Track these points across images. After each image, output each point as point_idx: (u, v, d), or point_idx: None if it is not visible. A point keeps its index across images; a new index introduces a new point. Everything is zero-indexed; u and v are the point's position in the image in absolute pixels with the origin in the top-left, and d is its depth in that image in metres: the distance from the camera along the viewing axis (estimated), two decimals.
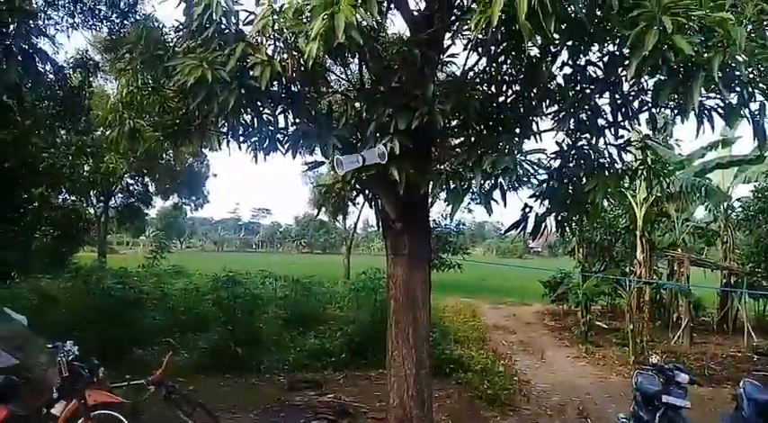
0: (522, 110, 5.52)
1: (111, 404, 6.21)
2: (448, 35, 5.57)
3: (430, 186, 5.91)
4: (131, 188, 31.82)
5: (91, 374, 6.27)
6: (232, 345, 11.32)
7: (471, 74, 5.69)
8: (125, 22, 11.21)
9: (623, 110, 5.35)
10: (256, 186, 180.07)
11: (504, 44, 5.12)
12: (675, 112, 4.96)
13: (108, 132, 7.16)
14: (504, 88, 5.70)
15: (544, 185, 5.72)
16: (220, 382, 10.45)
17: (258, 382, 10.59)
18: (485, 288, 30.58)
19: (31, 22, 6.54)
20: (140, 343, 11.59)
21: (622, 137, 5.70)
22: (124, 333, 11.59)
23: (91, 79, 12.56)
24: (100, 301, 11.73)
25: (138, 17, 10.35)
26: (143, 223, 41.50)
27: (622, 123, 5.49)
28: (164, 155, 27.03)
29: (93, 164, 13.64)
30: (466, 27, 4.90)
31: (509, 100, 5.67)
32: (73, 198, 22.30)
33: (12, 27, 5.78)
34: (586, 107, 5.43)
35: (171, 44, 5.64)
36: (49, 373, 6.82)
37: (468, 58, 5.60)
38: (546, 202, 5.77)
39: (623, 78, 5.01)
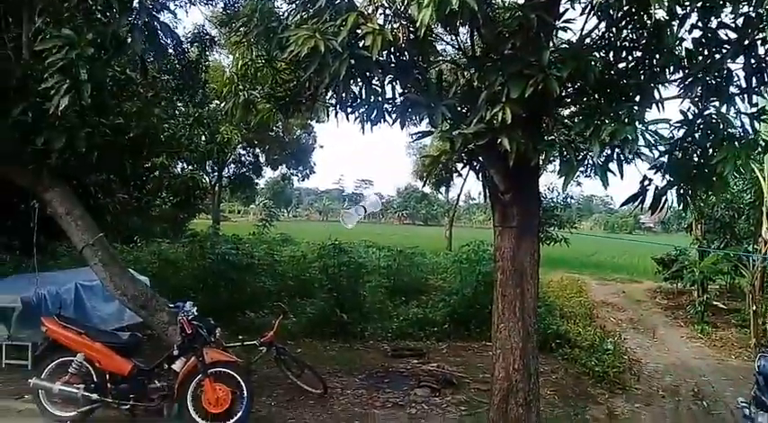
0: (643, 77, 5.21)
1: (227, 363, 6.53)
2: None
3: (542, 157, 5.72)
4: (243, 159, 33.15)
5: (209, 334, 6.60)
6: (338, 311, 11.63)
7: (589, 40, 5.43)
8: None
9: (759, 75, 4.94)
10: (360, 158, 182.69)
11: (627, 7, 4.84)
12: None
13: (223, 104, 7.47)
14: (625, 54, 5.39)
15: (665, 157, 5.39)
16: (326, 347, 10.78)
17: (362, 349, 10.83)
18: (592, 264, 29.62)
19: None
20: (251, 306, 12.14)
21: (756, 104, 5.27)
22: (237, 296, 12.22)
23: (207, 53, 13.08)
24: (215, 265, 12.35)
25: None
26: (253, 192, 43.20)
27: (757, 89, 5.07)
28: (274, 126, 27.96)
29: (208, 135, 14.29)
30: None
31: (630, 67, 5.36)
32: (190, 167, 23.54)
33: (135, 2, 6.07)
34: (716, 73, 5.05)
35: (284, 16, 5.75)
36: (170, 331, 7.27)
37: (586, 22, 5.34)
38: (667, 174, 5.44)
39: (759, 41, 4.61)
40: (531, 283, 6.28)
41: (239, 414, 6.33)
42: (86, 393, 6.40)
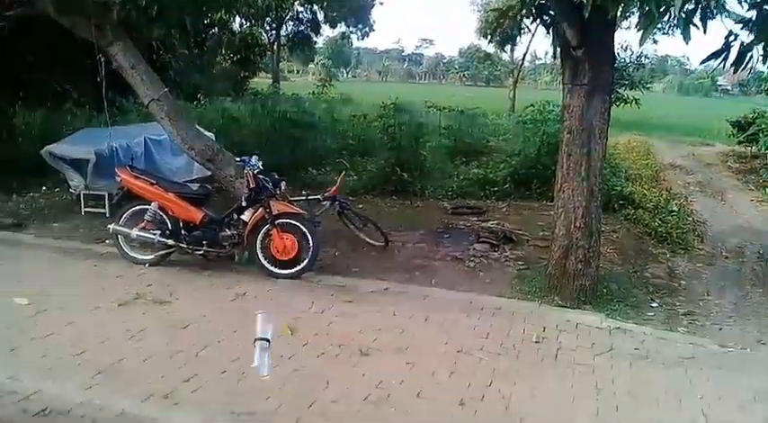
0: None
1: (293, 214, 6.74)
2: None
3: (619, 9, 5.31)
4: (301, 16, 32.40)
5: (274, 187, 6.77)
6: (398, 170, 11.68)
7: None
8: None
9: None
10: (421, 15, 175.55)
11: None
12: None
13: None
14: None
15: (753, 12, 4.93)
16: (387, 204, 10.93)
17: (422, 206, 10.93)
18: (663, 126, 28.50)
19: None
20: (313, 163, 12.33)
21: None
22: (299, 153, 12.42)
23: None
24: (277, 123, 12.46)
25: None
26: (312, 51, 42.63)
27: None
28: None
29: None
30: None
31: None
32: (249, 24, 23.24)
33: None
34: None
35: None
36: (236, 184, 7.51)
37: None
38: (754, 29, 5.00)
39: None
40: (598, 143, 6.14)
41: (305, 261, 6.62)
42: (162, 239, 6.77)
